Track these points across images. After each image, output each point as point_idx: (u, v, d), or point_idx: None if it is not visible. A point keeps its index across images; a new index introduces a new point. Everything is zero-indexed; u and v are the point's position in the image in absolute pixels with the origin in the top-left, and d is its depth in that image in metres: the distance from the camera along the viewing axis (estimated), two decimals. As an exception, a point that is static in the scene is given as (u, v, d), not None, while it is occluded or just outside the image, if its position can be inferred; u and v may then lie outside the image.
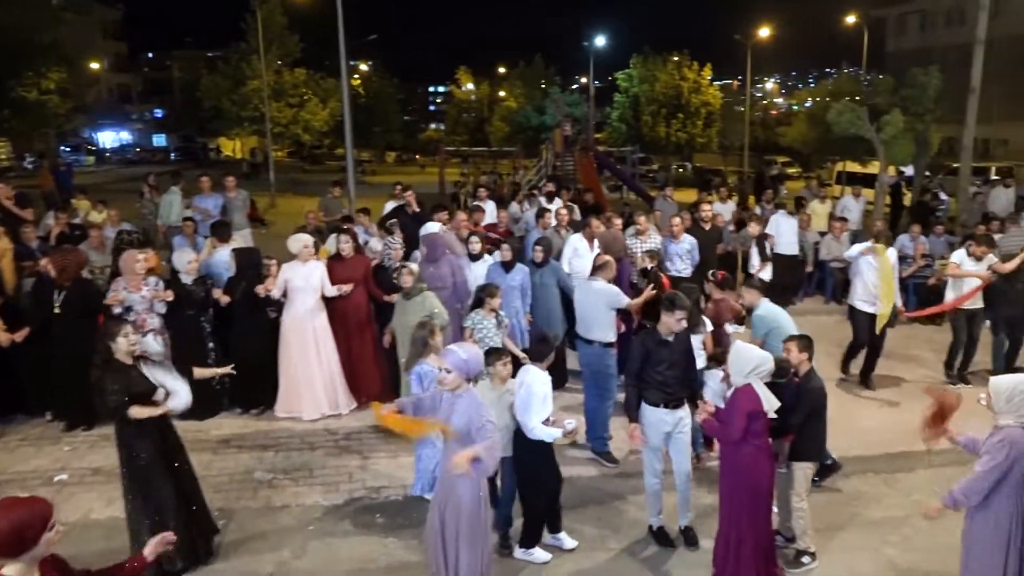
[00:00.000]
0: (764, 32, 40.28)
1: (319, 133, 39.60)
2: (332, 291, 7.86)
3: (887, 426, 7.86)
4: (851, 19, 45.64)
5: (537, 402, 5.20)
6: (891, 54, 56.31)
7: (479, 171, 37.00)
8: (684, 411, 5.75)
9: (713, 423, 5.21)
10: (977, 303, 9.10)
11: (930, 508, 4.64)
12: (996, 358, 9.20)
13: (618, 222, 10.58)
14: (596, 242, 9.35)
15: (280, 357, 7.88)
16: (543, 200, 13.25)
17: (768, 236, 12.53)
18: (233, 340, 7.98)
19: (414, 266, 7.16)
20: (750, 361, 5.01)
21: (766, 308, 6.78)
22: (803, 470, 5.47)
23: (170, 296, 7.52)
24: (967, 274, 9.00)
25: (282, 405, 7.96)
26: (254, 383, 7.89)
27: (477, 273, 8.48)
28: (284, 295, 7.85)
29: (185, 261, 7.86)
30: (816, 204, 14.70)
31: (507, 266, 8.17)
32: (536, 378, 5.29)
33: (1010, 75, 31.66)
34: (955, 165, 32.12)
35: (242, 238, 11.45)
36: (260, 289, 7.72)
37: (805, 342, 5.66)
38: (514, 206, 13.98)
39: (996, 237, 10.71)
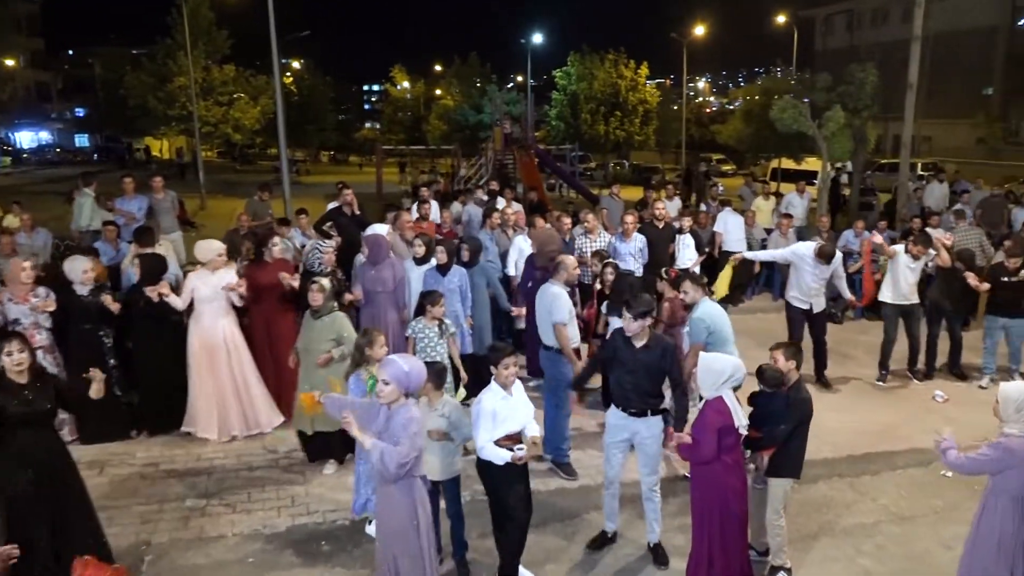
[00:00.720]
0: (699, 30, 40.66)
1: (251, 132, 38.42)
2: (237, 299, 7.29)
3: (849, 426, 7.71)
4: (781, 19, 46.56)
5: (486, 419, 4.74)
6: (820, 53, 57.75)
7: (418, 170, 36.49)
8: (645, 424, 5.37)
9: (684, 444, 4.86)
10: (912, 299, 8.95)
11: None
12: (948, 353, 9.18)
13: (567, 220, 10.27)
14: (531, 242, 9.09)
15: (189, 373, 7.20)
16: (484, 197, 12.89)
17: (716, 234, 12.47)
18: (137, 355, 7.34)
19: (325, 282, 6.50)
20: (721, 372, 4.69)
21: (705, 309, 6.34)
22: (782, 486, 5.17)
23: (51, 306, 6.77)
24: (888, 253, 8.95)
25: (189, 423, 7.28)
26: (162, 401, 7.27)
27: (411, 278, 8.07)
28: (192, 306, 7.22)
29: (80, 270, 7.02)
30: (760, 201, 14.68)
31: (443, 269, 7.78)
32: (488, 393, 4.86)
33: (931, 75, 32.47)
34: (882, 161, 33.21)
35: (171, 241, 10.77)
36: (151, 291, 6.94)
37: (793, 349, 5.35)
38: (456, 206, 13.58)
39: (944, 232, 10.77)
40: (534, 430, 4.95)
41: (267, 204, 12.88)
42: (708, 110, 70.37)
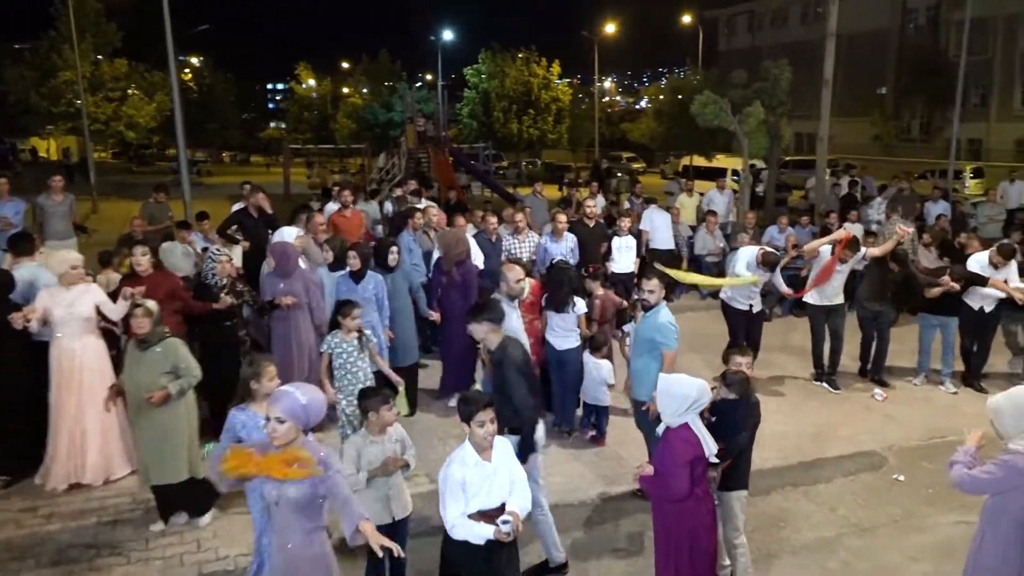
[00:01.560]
0: (609, 28, 40.86)
1: (146, 131, 36.32)
2: (116, 311, 6.31)
3: (792, 429, 7.43)
4: (686, 20, 47.39)
5: (453, 488, 3.75)
6: (724, 53, 59.09)
7: (327, 170, 35.28)
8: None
9: (647, 478, 4.35)
10: (837, 299, 8.67)
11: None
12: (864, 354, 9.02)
13: (493, 220, 9.74)
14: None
15: (50, 404, 6.17)
16: (408, 195, 12.24)
17: (643, 232, 12.14)
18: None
19: (152, 304, 5.40)
20: (685, 397, 4.20)
21: (669, 314, 5.91)
22: (737, 499, 4.78)
23: None
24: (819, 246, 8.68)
25: (45, 468, 6.20)
26: (15, 436, 6.22)
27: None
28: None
29: None
30: (684, 197, 14.51)
31: (356, 276, 7.10)
32: (456, 460, 3.83)
33: (835, 75, 33.40)
34: (787, 158, 33.97)
35: (66, 249, 9.65)
36: (16, 317, 5.96)
37: (746, 350, 5.08)
38: (372, 205, 12.87)
39: (861, 226, 10.73)
40: (519, 503, 3.86)
41: (165, 206, 11.84)
42: (615, 109, 70.95)
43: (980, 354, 8.71)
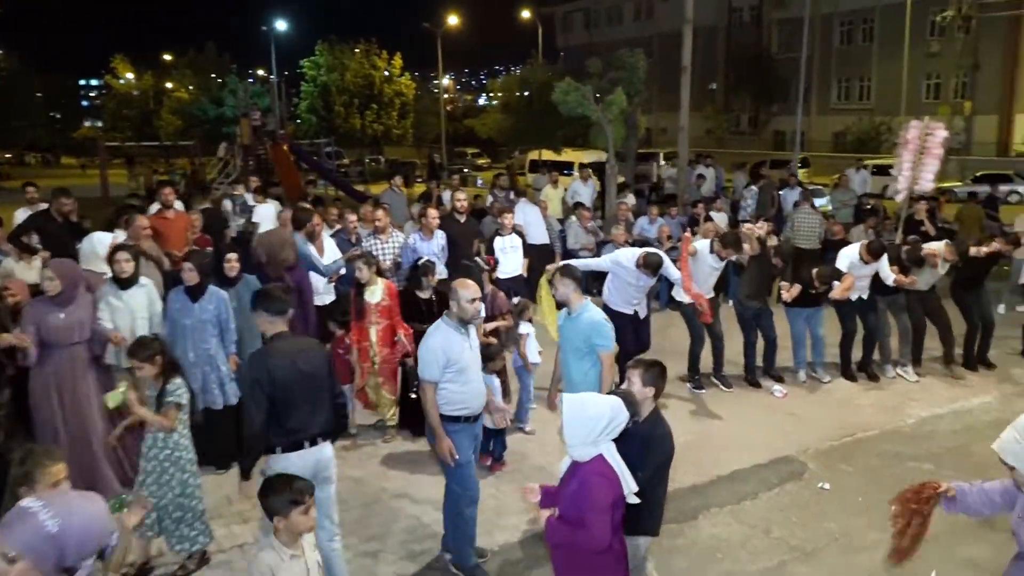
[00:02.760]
0: (452, 20, 39.92)
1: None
2: None
3: (701, 440, 6.77)
4: (526, 16, 47.41)
5: None
6: (562, 49, 59.73)
7: (150, 170, 32.26)
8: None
9: (556, 525, 3.41)
10: (709, 295, 7.99)
11: None
12: (748, 354, 8.55)
13: (353, 218, 8.58)
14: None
15: None
16: (249, 198, 10.80)
17: (517, 226, 11.30)
18: None
19: None
20: (598, 418, 3.30)
21: (598, 310, 5.10)
22: (637, 547, 3.87)
23: None
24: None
25: None
26: None
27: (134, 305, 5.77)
28: None
29: None
30: (549, 189, 13.84)
31: (194, 292, 5.78)
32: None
33: (663, 70, 34.15)
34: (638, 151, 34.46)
35: None
36: None
37: (656, 372, 3.93)
38: (226, 203, 11.29)
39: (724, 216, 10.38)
40: None
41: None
42: (454, 106, 70.01)
43: (866, 340, 8.49)
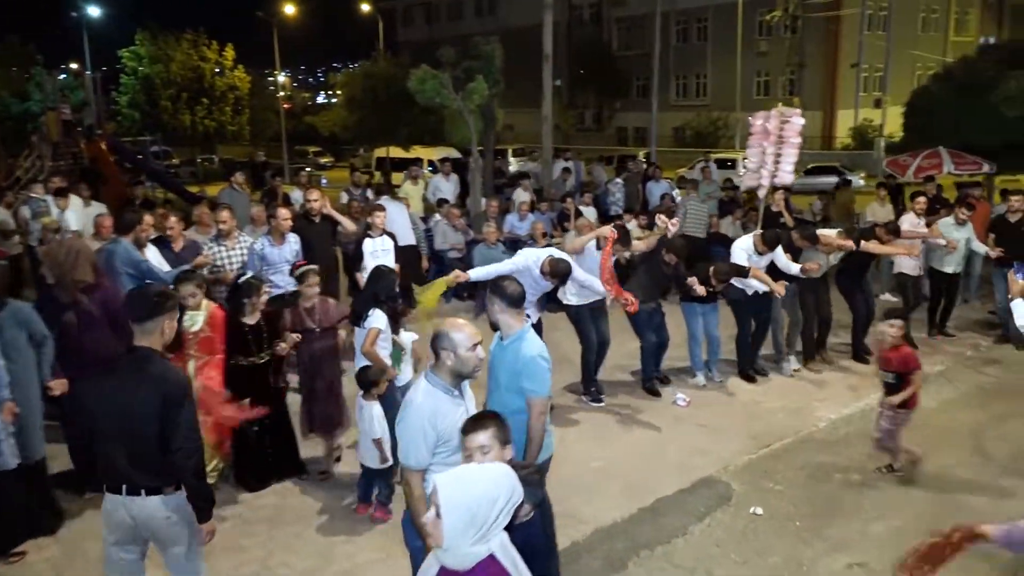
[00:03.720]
0: (288, 10, 37.63)
1: None
2: None
3: (614, 464, 5.99)
4: (366, 9, 45.77)
5: None
6: (402, 44, 58.43)
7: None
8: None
9: None
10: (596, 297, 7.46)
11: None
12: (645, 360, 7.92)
13: (173, 219, 7.18)
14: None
15: None
16: (50, 200, 9.05)
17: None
18: None
19: None
20: (491, 503, 2.27)
21: (538, 341, 4.03)
22: None
23: None
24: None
25: None
26: None
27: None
28: None
29: None
30: (409, 186, 12.74)
31: None
32: None
33: (511, 67, 33.83)
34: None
35: None
36: None
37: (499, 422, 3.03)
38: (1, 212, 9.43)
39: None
40: None
41: None
42: (292, 105, 66.33)
43: (758, 335, 8.07)
